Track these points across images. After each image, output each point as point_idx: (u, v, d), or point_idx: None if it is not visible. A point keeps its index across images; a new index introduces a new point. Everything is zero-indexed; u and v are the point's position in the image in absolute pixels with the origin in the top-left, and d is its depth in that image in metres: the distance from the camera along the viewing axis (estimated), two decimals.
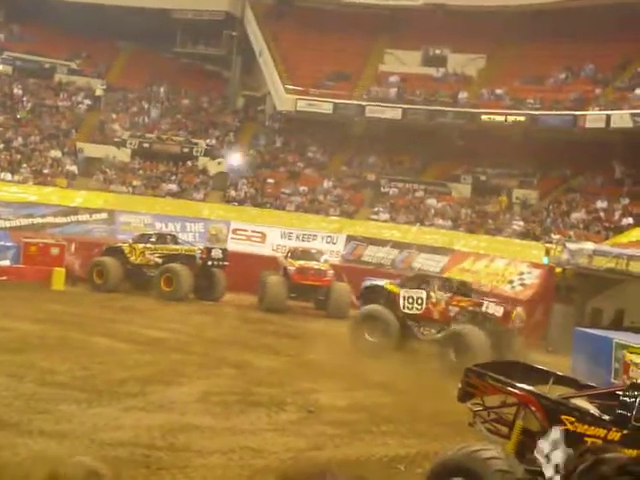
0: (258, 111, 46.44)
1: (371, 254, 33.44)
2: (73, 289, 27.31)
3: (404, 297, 20.62)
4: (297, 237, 34.57)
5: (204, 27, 46.08)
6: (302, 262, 27.60)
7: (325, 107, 40.76)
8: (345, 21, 43.17)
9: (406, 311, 20.57)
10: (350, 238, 34.62)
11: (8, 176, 35.86)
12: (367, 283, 22.51)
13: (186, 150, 41.13)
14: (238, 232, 35.30)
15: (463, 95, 39.95)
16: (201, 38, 47.33)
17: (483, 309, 19.94)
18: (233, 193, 39.10)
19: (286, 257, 28.66)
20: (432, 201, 37.82)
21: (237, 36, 45.86)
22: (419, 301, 20.51)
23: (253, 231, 35.28)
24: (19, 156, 37.58)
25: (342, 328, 21.63)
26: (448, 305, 20.38)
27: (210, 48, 47.47)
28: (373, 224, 36.24)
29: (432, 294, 20.60)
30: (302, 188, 39.56)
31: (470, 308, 20.14)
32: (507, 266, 28.75)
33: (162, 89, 45.80)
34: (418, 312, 20.50)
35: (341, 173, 41.22)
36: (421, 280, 21.54)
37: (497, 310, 19.77)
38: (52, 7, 42.74)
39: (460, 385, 7.92)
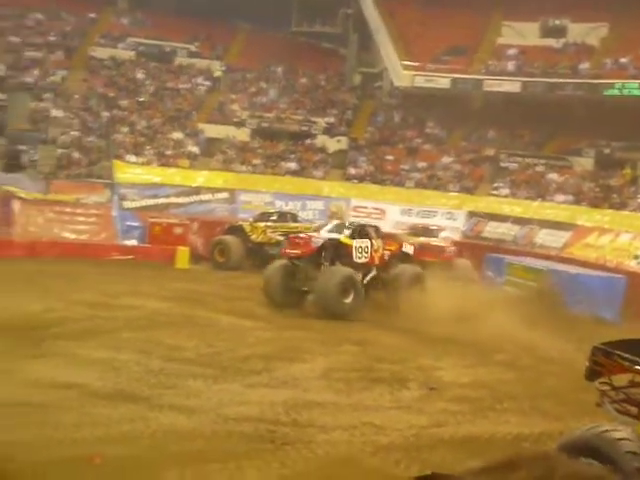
0: (375, 88, 46.35)
1: (491, 230, 33.10)
2: (196, 267, 27.91)
3: (356, 248, 21.48)
4: (417, 214, 34.50)
5: (320, 5, 46.21)
6: (422, 239, 27.50)
7: (443, 82, 40.39)
8: None
9: (357, 261, 21.43)
10: (471, 214, 34.32)
11: (133, 158, 36.83)
12: (319, 240, 21.16)
13: (305, 128, 41.42)
14: (358, 209, 35.49)
15: (584, 66, 38.92)
16: (317, 17, 47.47)
17: (404, 249, 23.02)
18: (352, 170, 39.22)
19: (406, 234, 28.59)
20: (553, 175, 37.07)
21: (353, 13, 45.80)
22: (366, 250, 21.68)
23: (373, 208, 35.39)
24: (143, 138, 38.53)
25: (459, 301, 21.29)
26: (384, 250, 22.32)
27: (326, 26, 47.58)
28: (493, 200, 35.82)
29: (374, 242, 22.03)
30: (421, 164, 39.37)
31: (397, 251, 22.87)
32: (632, 241, 28.00)
33: (279, 69, 46.16)
34: (366, 260, 21.67)
35: (460, 148, 40.81)
36: (361, 229, 22.40)
37: (410, 249, 23.21)
38: None
39: (587, 363, 7.81)
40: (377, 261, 22.00)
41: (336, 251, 21.40)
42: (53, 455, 9.74)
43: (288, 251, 20.94)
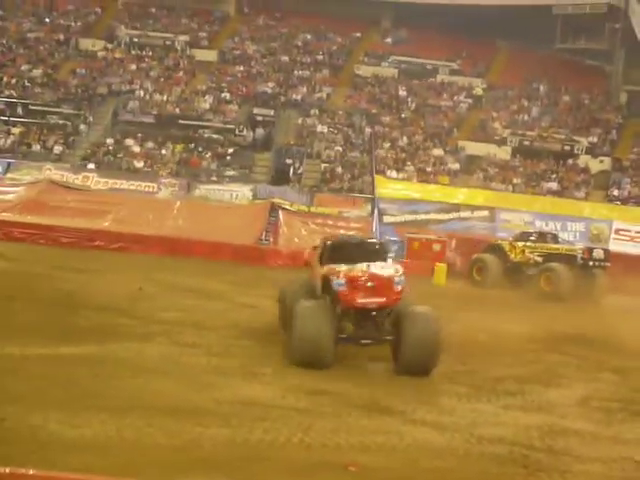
0: None
1: None
2: (453, 284, 27.88)
3: None
4: None
5: (585, 21, 44.98)
6: None
7: None
8: None
9: None
10: None
11: (394, 174, 37.48)
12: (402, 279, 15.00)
13: (567, 148, 40.42)
14: (621, 232, 34.17)
15: None
16: (582, 32, 46.23)
17: None
18: (616, 192, 37.82)
19: None
20: None
21: (620, 28, 44.17)
22: None
23: (636, 232, 33.96)
24: (404, 154, 39.10)
25: None
26: None
27: (591, 42, 46.21)
28: None
29: None
30: None
31: None
32: None
33: (542, 86, 45.37)
34: None
35: None
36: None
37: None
38: (432, 11, 44.15)
39: None
40: None
41: None
42: (311, 459, 10.10)
43: (363, 301, 14.40)
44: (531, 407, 13.33)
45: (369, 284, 14.56)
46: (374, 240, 17.81)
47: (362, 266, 14.99)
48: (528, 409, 13.21)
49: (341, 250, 15.88)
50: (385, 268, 15.18)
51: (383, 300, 14.46)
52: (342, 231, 30.86)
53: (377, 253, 16.03)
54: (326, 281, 14.96)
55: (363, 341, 14.54)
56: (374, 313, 14.52)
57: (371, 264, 15.15)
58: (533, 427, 12.13)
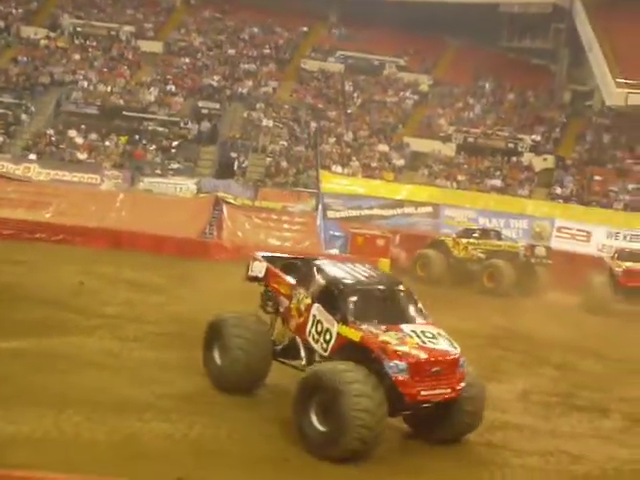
0: (585, 106, 44.99)
1: None
2: None
3: None
4: (624, 237, 33.19)
5: (531, 20, 45.45)
6: (630, 264, 26.44)
7: None
8: None
9: None
10: None
11: (339, 169, 37.47)
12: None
13: (511, 145, 40.76)
14: (562, 230, 34.56)
15: None
16: (528, 31, 46.70)
17: None
18: (558, 190, 38.25)
19: (612, 258, 27.61)
20: None
21: (565, 29, 44.73)
22: None
23: (578, 230, 34.36)
24: (349, 150, 39.12)
25: None
26: None
27: (537, 41, 46.70)
28: None
29: None
30: (631, 186, 37.86)
31: None
32: None
33: (487, 84, 45.73)
34: None
35: None
36: None
37: None
38: (381, 7, 44.21)
39: None
40: None
41: None
42: (251, 452, 10.08)
43: (427, 394, 10.88)
44: None
45: (434, 369, 10.82)
46: (399, 283, 12.50)
47: (414, 336, 11.15)
48: None
49: (369, 302, 11.77)
50: (438, 339, 11.27)
51: (449, 392, 10.94)
52: (288, 226, 30.77)
53: (409, 305, 12.05)
54: (359, 350, 11.00)
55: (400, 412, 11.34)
56: None
57: (417, 329, 11.35)
58: None
